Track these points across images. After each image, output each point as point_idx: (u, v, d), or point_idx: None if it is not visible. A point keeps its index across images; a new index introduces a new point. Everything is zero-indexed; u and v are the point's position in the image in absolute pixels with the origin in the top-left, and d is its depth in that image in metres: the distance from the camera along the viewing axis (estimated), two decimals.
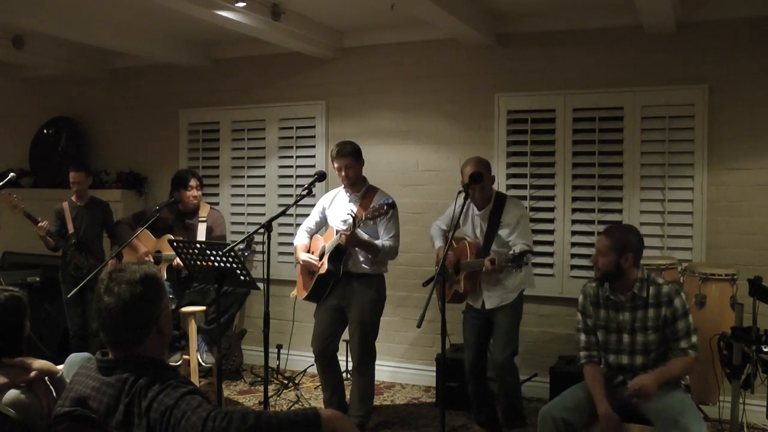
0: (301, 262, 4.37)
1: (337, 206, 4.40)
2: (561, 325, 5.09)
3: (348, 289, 4.28)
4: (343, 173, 4.26)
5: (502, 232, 4.01)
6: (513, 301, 4.05)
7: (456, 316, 5.16)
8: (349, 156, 4.23)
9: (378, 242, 4.19)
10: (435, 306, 3.50)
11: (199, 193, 5.10)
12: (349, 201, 4.35)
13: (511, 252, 3.73)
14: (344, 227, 4.17)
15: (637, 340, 3.22)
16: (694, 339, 3.15)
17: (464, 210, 4.08)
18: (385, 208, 3.88)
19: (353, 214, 4.05)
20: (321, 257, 4.29)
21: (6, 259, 6.68)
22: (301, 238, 4.49)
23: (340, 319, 4.37)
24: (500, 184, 5.18)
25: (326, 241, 4.33)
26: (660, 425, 3.08)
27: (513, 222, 3.98)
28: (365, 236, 4.18)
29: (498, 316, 4.06)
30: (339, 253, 4.21)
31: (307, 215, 4.68)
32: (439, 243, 4.31)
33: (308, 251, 4.43)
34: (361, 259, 4.23)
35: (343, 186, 4.40)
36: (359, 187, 4.33)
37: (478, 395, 4.23)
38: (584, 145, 5.02)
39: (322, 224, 4.51)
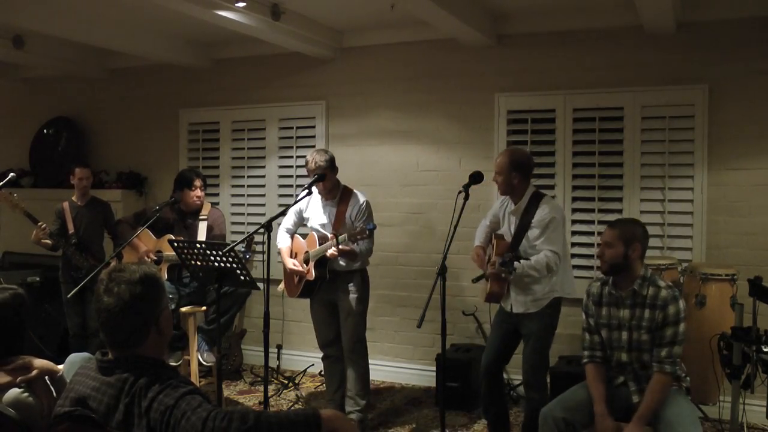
0: (288, 270, 4.47)
1: (314, 209, 4.50)
2: (561, 325, 5.01)
3: (334, 286, 4.42)
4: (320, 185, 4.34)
5: (531, 234, 3.79)
6: (541, 310, 3.81)
7: (456, 316, 5.17)
8: (326, 168, 4.29)
9: (356, 247, 4.28)
10: (435, 306, 3.49)
11: (203, 193, 5.10)
12: (326, 205, 4.44)
13: (501, 258, 3.63)
14: (324, 231, 4.37)
15: (633, 337, 3.22)
16: (676, 350, 3.11)
17: (504, 206, 4.02)
18: (367, 233, 4.09)
19: (335, 234, 4.20)
20: (306, 262, 4.41)
21: (6, 259, 6.68)
22: (283, 240, 4.59)
23: (335, 312, 4.50)
24: None
25: (310, 247, 4.42)
26: (659, 427, 3.08)
27: (542, 225, 3.75)
28: (347, 247, 4.24)
29: (525, 328, 3.87)
30: (323, 260, 4.33)
31: None
32: (477, 242, 4.20)
33: (292, 252, 4.54)
34: (341, 261, 4.37)
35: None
36: (335, 192, 4.43)
37: (489, 396, 4.06)
38: (584, 145, 5.02)
39: (300, 224, 4.63)
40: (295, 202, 4.35)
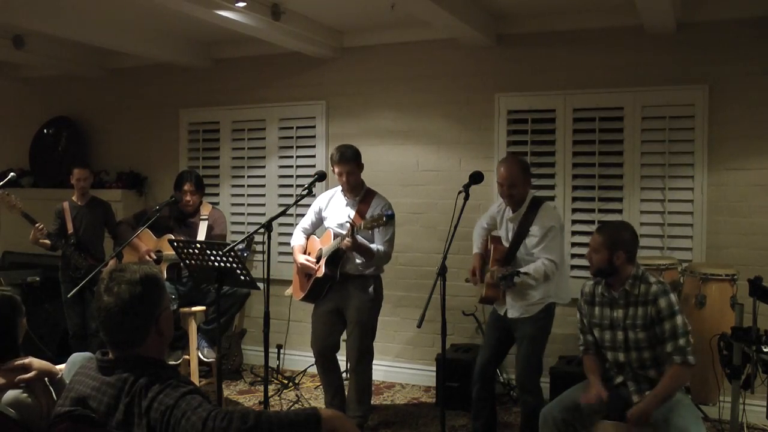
0: (299, 265, 4.36)
1: (333, 208, 4.39)
2: (561, 325, 5.06)
3: (344, 291, 4.28)
4: (344, 178, 4.24)
5: (529, 241, 3.78)
6: (535, 314, 3.81)
7: (456, 316, 5.17)
8: (352, 162, 4.23)
9: (373, 246, 4.19)
10: (435, 306, 3.49)
11: (193, 198, 5.01)
12: (347, 205, 4.34)
13: (501, 272, 3.65)
14: (342, 231, 4.17)
15: (629, 337, 3.23)
16: (681, 342, 3.09)
17: (502, 211, 4.01)
18: (384, 219, 3.88)
19: (351, 222, 4.05)
20: (318, 260, 4.29)
21: (6, 259, 6.68)
22: (298, 239, 4.48)
23: (338, 321, 4.38)
24: None
25: (323, 245, 4.32)
26: (659, 426, 3.08)
27: (540, 233, 3.73)
28: (365, 241, 4.18)
29: (519, 332, 3.86)
30: (336, 258, 4.22)
31: None
32: (475, 248, 4.13)
33: (305, 252, 4.42)
34: (358, 261, 4.23)
35: (340, 188, 4.39)
36: (358, 191, 4.33)
37: (481, 400, 4.02)
38: (584, 145, 5.02)
39: (318, 224, 4.52)
40: (295, 203, 4.24)
